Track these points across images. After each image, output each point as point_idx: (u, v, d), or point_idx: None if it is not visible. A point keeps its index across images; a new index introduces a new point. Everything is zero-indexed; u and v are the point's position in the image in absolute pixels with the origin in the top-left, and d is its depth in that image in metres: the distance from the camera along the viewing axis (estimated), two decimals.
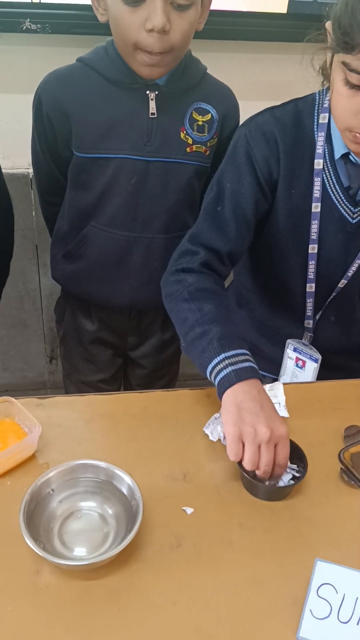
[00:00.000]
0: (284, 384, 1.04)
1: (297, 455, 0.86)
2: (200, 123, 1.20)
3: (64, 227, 1.33)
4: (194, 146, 1.21)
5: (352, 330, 1.16)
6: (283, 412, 0.97)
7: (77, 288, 1.37)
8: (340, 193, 1.00)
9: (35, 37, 1.53)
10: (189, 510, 0.80)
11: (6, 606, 0.67)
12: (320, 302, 1.11)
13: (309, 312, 1.12)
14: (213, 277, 1.02)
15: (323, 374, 1.12)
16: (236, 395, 0.84)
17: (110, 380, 1.50)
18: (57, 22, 1.50)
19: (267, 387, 1.02)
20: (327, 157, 0.99)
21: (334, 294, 1.09)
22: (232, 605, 0.69)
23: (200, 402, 1.00)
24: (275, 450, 0.81)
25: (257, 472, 0.82)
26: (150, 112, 1.16)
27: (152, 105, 1.16)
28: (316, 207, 1.01)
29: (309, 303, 1.11)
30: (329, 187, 1.00)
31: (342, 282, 1.07)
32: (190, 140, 1.20)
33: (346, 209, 1.01)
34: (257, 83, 1.67)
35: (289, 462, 0.84)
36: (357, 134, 0.87)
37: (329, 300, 1.10)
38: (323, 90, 0.99)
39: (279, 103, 1.02)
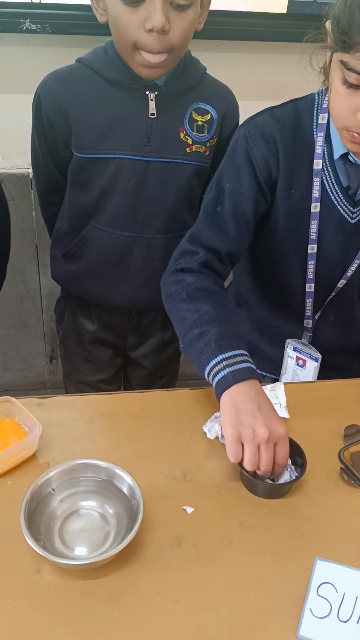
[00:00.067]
0: (285, 383, 1.04)
1: (296, 453, 0.86)
2: (199, 123, 1.20)
3: (63, 227, 1.33)
4: (193, 146, 1.21)
5: (351, 330, 1.17)
6: (284, 412, 0.97)
7: (77, 288, 1.38)
8: (339, 193, 1.00)
9: (35, 37, 1.53)
10: (189, 510, 0.80)
11: (7, 605, 0.68)
12: (320, 302, 1.11)
13: (309, 312, 1.12)
14: (212, 277, 1.02)
15: (323, 374, 1.12)
16: (234, 396, 0.84)
17: (110, 380, 1.50)
18: (57, 22, 1.50)
19: (268, 387, 1.02)
20: (327, 157, 0.99)
21: (333, 293, 1.09)
22: (232, 604, 0.69)
23: (200, 401, 1.00)
24: (275, 449, 0.81)
25: (258, 472, 0.82)
26: (149, 112, 1.16)
27: (152, 106, 1.16)
28: (315, 207, 1.01)
29: (309, 303, 1.11)
30: (328, 187, 1.00)
31: (342, 282, 1.07)
32: (189, 141, 1.20)
33: (345, 209, 1.01)
34: (256, 83, 1.67)
35: (289, 461, 0.85)
36: (355, 134, 0.87)
37: (328, 300, 1.11)
38: (322, 90, 0.99)
39: (278, 103, 1.02)
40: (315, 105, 0.99)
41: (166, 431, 0.93)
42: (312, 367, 1.12)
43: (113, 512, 0.78)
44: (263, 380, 1.20)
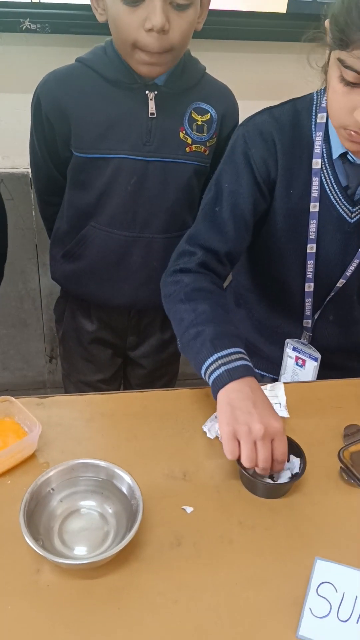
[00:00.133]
0: (284, 383, 1.04)
1: (295, 453, 0.86)
2: (199, 123, 1.20)
3: (63, 227, 1.33)
4: (193, 146, 1.21)
5: (350, 329, 1.17)
6: (283, 412, 0.97)
7: (76, 288, 1.38)
8: (338, 193, 1.00)
9: (34, 37, 1.53)
10: (189, 509, 0.80)
11: (6, 605, 0.68)
12: (319, 301, 1.11)
13: (308, 312, 1.12)
14: (210, 276, 1.02)
15: (322, 374, 1.12)
16: (229, 394, 0.85)
17: (109, 380, 1.50)
18: (57, 22, 1.50)
19: (267, 387, 1.02)
20: (325, 157, 0.99)
21: (332, 293, 1.09)
22: (232, 604, 0.69)
23: (199, 401, 1.00)
24: (272, 446, 0.81)
25: (257, 469, 0.82)
26: (149, 112, 1.16)
27: (152, 105, 1.16)
28: (314, 207, 1.01)
29: (308, 303, 1.11)
30: (327, 187, 1.00)
31: (341, 282, 1.07)
32: (189, 140, 1.20)
33: (344, 208, 1.01)
34: (256, 83, 1.67)
35: (290, 458, 0.84)
36: (352, 132, 0.87)
37: (327, 299, 1.11)
38: (321, 90, 0.99)
39: (278, 103, 1.02)
40: (314, 105, 0.99)
41: (166, 431, 0.93)
42: (311, 367, 1.12)
43: (112, 511, 0.78)
44: (262, 380, 1.20)
